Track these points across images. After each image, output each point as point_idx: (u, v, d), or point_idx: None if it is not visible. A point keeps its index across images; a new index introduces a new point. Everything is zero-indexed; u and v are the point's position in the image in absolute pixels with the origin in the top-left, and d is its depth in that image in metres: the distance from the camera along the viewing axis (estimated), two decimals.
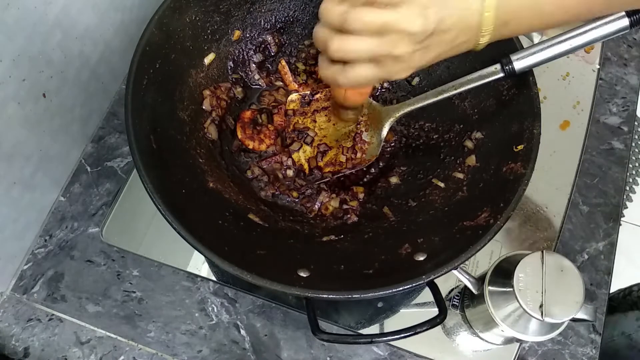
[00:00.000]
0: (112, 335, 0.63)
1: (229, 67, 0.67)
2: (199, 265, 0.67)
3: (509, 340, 0.61)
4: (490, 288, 0.55)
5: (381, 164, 0.67)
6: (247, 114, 0.67)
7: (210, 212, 0.55)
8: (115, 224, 0.68)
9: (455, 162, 0.61)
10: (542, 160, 0.60)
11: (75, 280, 0.66)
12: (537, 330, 0.53)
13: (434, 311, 0.47)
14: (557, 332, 0.54)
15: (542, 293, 0.50)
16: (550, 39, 0.52)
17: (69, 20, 0.60)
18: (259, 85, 0.69)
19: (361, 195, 0.64)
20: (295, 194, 0.64)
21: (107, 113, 0.75)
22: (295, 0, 0.68)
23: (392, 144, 0.68)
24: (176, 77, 0.60)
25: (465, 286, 0.58)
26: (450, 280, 0.66)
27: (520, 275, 0.51)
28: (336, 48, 0.40)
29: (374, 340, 0.47)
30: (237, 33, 0.66)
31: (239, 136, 0.66)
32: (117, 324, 0.64)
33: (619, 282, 0.89)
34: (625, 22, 0.48)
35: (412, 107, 0.60)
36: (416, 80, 0.68)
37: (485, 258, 0.67)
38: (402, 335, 0.45)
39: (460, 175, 0.59)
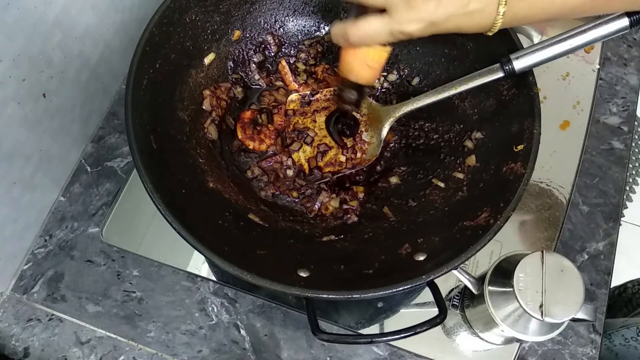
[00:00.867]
0: (112, 335, 0.63)
1: (229, 67, 0.67)
2: (199, 265, 0.67)
3: (509, 340, 0.61)
4: (490, 288, 0.55)
5: (381, 164, 0.67)
6: (247, 114, 0.67)
7: (210, 212, 0.55)
8: (115, 224, 0.69)
9: (455, 162, 0.61)
10: (542, 160, 0.61)
11: (75, 280, 0.66)
12: (537, 330, 0.53)
13: (434, 311, 0.47)
14: (557, 332, 0.53)
15: (542, 293, 0.50)
16: (550, 39, 0.52)
17: (69, 20, 0.60)
18: (259, 85, 0.69)
19: (361, 195, 0.64)
20: (295, 194, 0.64)
21: (107, 113, 0.75)
22: (295, 0, 0.68)
23: (392, 144, 0.68)
24: (176, 77, 0.60)
25: (465, 286, 0.58)
26: (450, 280, 0.66)
27: (520, 275, 0.51)
28: None
29: (374, 340, 0.47)
30: (237, 33, 0.66)
31: (239, 136, 0.66)
32: (117, 324, 0.64)
33: (619, 282, 0.89)
34: (625, 22, 0.48)
35: (412, 107, 0.60)
36: (416, 80, 0.68)
37: (485, 258, 0.67)
38: (402, 335, 0.46)
39: (460, 175, 0.59)
